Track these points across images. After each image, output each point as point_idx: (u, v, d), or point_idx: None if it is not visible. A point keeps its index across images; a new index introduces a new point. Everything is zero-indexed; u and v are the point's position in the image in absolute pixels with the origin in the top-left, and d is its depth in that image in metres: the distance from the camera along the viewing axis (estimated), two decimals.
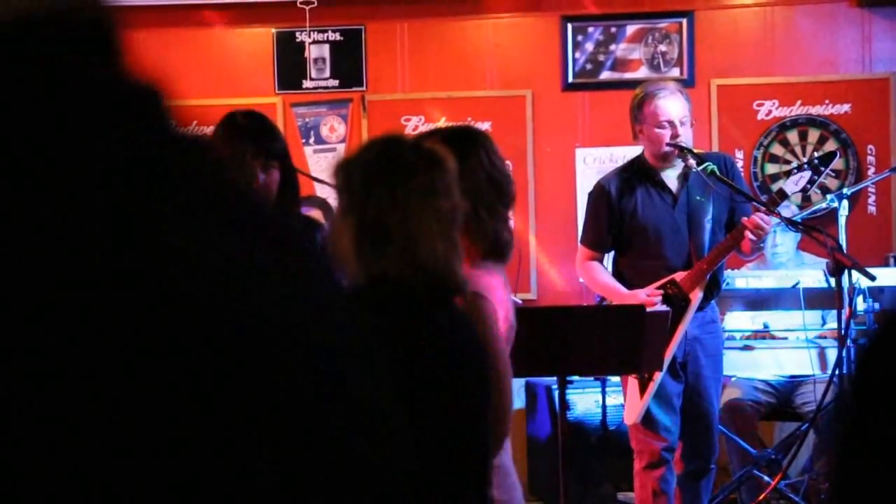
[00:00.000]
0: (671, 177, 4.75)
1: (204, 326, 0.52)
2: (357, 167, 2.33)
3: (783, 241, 5.67)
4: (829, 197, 5.22)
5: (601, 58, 6.78)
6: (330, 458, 0.55)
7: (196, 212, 0.55)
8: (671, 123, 4.61)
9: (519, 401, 5.79)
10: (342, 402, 0.56)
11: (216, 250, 0.54)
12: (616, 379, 5.20)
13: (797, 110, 6.67)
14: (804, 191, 4.77)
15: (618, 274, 4.79)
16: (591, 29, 6.78)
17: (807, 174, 4.72)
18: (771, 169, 6.67)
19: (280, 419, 0.54)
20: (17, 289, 0.49)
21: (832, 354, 5.06)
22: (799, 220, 5.09)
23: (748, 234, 4.50)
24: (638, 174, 4.77)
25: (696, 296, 4.62)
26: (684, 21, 6.72)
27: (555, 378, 4.07)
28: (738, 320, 5.57)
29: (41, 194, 0.51)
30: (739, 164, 6.57)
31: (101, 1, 0.58)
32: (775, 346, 5.45)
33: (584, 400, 5.73)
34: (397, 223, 2.26)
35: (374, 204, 2.27)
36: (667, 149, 4.64)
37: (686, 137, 4.65)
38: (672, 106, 4.61)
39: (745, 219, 4.53)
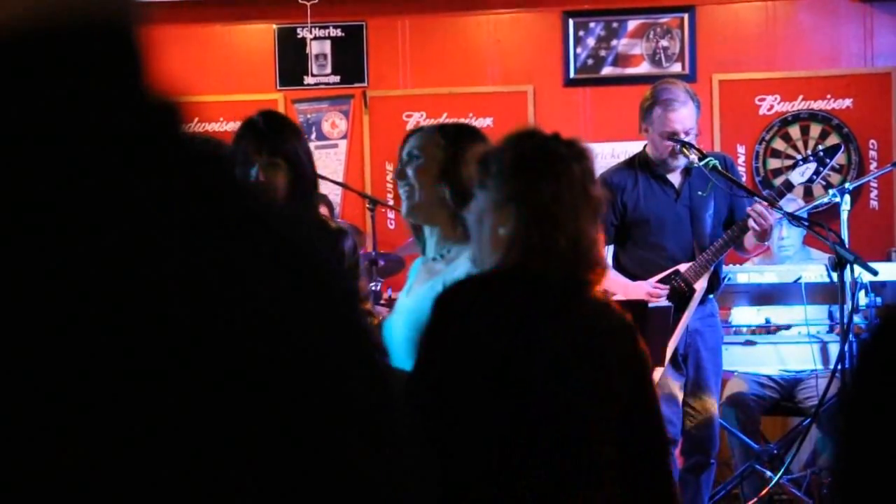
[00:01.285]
0: (673, 172, 4.77)
1: (205, 337, 0.52)
2: (511, 158, 2.38)
3: (789, 236, 5.68)
4: (831, 192, 5.21)
5: (603, 53, 6.78)
6: (326, 472, 0.55)
7: (210, 227, 0.55)
8: (676, 134, 4.63)
9: None
10: (344, 417, 0.56)
11: (233, 266, 0.54)
12: None
13: (799, 105, 6.66)
14: (810, 181, 4.77)
15: (619, 266, 4.81)
16: (592, 24, 6.78)
17: (812, 165, 4.73)
18: (773, 164, 6.66)
19: (274, 432, 0.53)
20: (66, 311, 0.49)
21: (834, 349, 5.06)
22: (801, 215, 5.09)
23: (751, 223, 4.52)
24: (640, 168, 4.79)
25: (701, 286, 4.64)
26: (686, 16, 6.72)
27: None
28: (740, 315, 5.57)
29: (57, 216, 0.51)
30: (741, 158, 6.57)
31: (126, 4, 0.58)
32: (777, 340, 5.45)
33: None
34: (565, 211, 2.33)
35: (540, 193, 2.33)
36: (668, 158, 4.67)
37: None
38: (679, 119, 4.63)
39: (749, 208, 4.56)
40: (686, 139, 4.63)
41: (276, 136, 3.30)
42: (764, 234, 4.59)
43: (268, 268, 0.55)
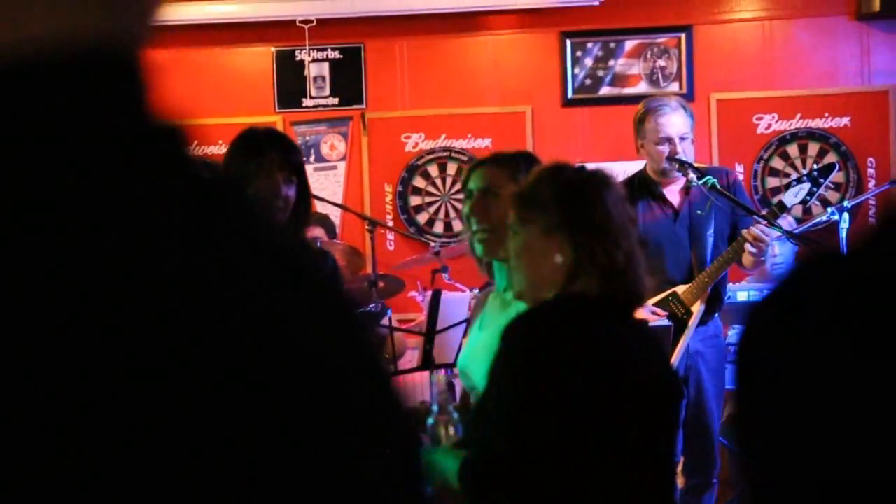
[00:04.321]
0: (673, 191, 4.76)
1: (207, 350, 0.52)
2: (554, 188, 2.40)
3: (781, 252, 5.69)
4: (829, 210, 5.21)
5: (600, 73, 6.80)
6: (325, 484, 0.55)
7: (211, 227, 0.55)
8: (670, 140, 4.62)
9: None
10: (345, 428, 0.56)
11: (243, 296, 0.54)
12: None
13: (797, 124, 6.68)
14: (804, 203, 4.77)
15: None
16: (590, 45, 6.80)
17: (806, 186, 4.73)
18: (771, 182, 6.67)
19: (272, 440, 0.53)
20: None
21: None
22: (799, 233, 5.09)
23: (748, 247, 4.50)
24: (639, 188, 4.77)
25: (698, 309, 4.62)
26: (683, 36, 6.74)
27: None
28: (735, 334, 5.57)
29: (59, 242, 0.51)
30: (740, 177, 6.58)
31: (131, 31, 0.59)
32: None
33: None
34: (616, 230, 2.37)
35: (592, 215, 2.37)
36: (666, 165, 4.65)
37: (687, 153, 4.66)
38: (672, 123, 4.62)
39: (745, 230, 4.53)
40: (681, 145, 4.62)
41: (289, 148, 3.37)
42: (759, 255, 4.58)
43: (268, 268, 0.55)
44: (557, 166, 2.48)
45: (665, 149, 4.63)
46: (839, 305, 0.78)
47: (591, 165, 6.66)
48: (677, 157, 4.62)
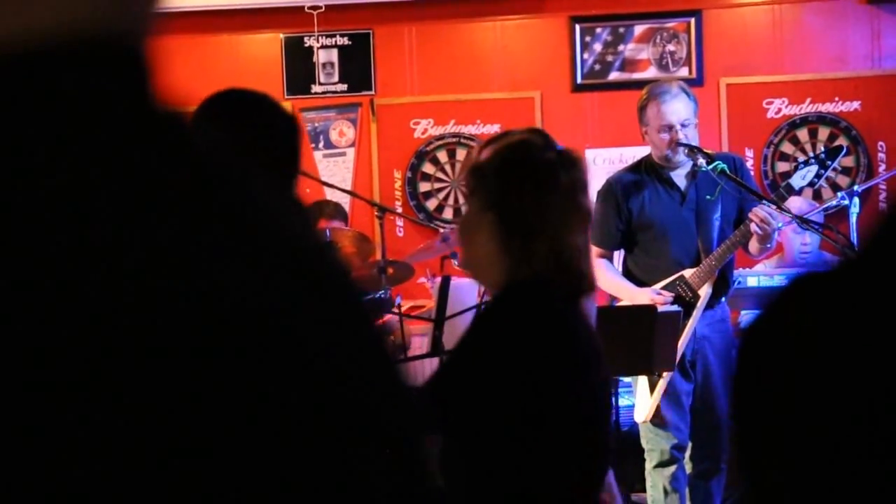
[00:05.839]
0: (680, 175, 4.76)
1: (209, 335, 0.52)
2: (495, 164, 2.32)
3: (811, 242, 5.69)
4: (840, 194, 5.20)
5: (610, 58, 6.78)
6: (331, 476, 0.55)
7: (211, 223, 0.55)
8: (671, 127, 4.62)
9: None
10: (349, 419, 0.56)
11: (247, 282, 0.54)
12: (628, 379, 5.20)
13: (807, 108, 6.66)
14: (811, 185, 4.76)
15: (627, 271, 4.81)
16: (599, 29, 6.78)
17: (813, 168, 4.73)
18: (781, 167, 6.66)
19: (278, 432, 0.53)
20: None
21: None
22: (808, 217, 5.08)
23: (754, 228, 4.50)
24: (646, 172, 4.78)
25: (705, 292, 4.63)
26: (692, 20, 6.72)
27: None
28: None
29: (59, 228, 0.51)
30: (749, 162, 6.56)
31: (136, 20, 0.58)
32: None
33: None
34: (545, 219, 2.27)
35: (519, 201, 2.27)
36: (668, 152, 4.66)
37: (690, 139, 4.66)
38: (673, 110, 4.62)
39: (752, 212, 4.53)
40: (684, 131, 4.62)
41: None
42: (765, 239, 4.57)
43: (270, 262, 0.55)
44: (517, 141, 2.38)
45: (667, 136, 4.64)
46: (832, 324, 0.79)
47: (600, 151, 6.70)
48: (685, 141, 4.62)
